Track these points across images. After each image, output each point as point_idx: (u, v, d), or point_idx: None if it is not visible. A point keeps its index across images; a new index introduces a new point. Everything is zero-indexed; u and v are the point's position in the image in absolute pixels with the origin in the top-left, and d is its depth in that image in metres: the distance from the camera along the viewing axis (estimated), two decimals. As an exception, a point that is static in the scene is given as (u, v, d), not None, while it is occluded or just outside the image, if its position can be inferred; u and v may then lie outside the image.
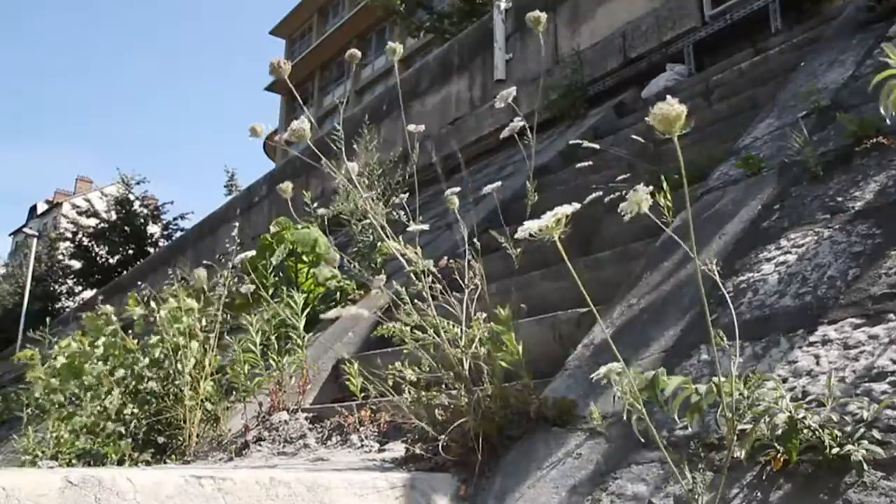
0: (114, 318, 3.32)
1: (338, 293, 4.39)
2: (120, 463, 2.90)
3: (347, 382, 2.91)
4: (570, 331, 2.55)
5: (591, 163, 3.57)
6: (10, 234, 53.53)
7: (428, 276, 1.97)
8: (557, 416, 1.80)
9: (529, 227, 0.99)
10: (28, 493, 1.15)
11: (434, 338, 1.91)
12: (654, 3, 5.96)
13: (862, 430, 1.20)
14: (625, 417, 1.27)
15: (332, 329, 4.03)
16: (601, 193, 2.46)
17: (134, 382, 3.15)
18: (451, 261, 2.11)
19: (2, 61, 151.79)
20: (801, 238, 1.91)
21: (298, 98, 2.09)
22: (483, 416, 1.85)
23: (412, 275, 1.99)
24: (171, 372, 3.06)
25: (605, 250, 3.11)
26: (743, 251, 2.03)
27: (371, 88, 31.36)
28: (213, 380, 3.13)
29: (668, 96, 0.99)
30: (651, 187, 1.14)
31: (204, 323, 3.15)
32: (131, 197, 24.56)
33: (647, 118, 0.99)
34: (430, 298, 1.93)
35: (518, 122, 2.03)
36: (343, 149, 1.99)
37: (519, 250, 2.04)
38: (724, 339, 1.30)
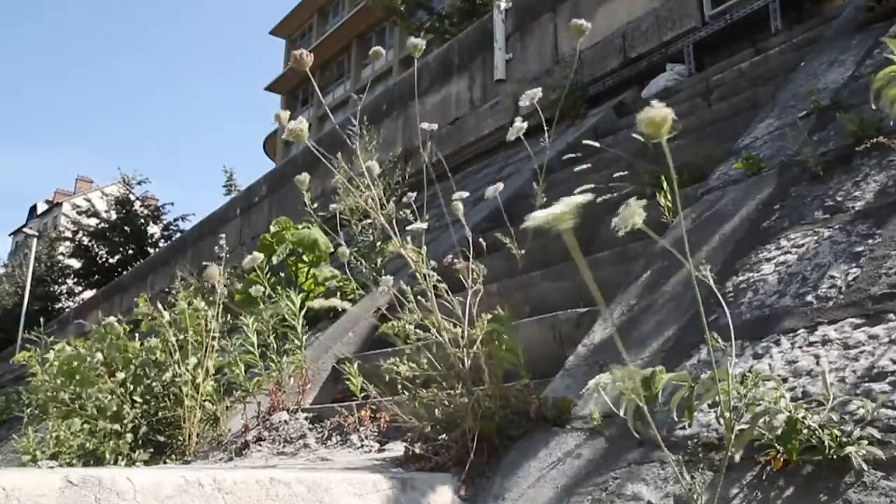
0: (118, 326, 3.32)
1: (337, 293, 4.39)
2: (120, 463, 2.90)
3: (347, 382, 2.91)
4: (569, 331, 2.55)
5: (589, 165, 3.57)
6: (10, 234, 53.56)
7: (431, 275, 1.97)
8: (557, 415, 1.80)
9: (538, 216, 0.98)
10: (28, 493, 1.15)
11: (437, 336, 1.91)
12: (654, 3, 5.96)
13: (862, 430, 1.20)
14: (622, 414, 1.27)
15: (332, 329, 4.03)
16: (597, 196, 2.45)
17: (133, 382, 3.15)
18: (454, 260, 2.11)
19: (2, 61, 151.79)
20: (801, 238, 1.91)
21: (317, 88, 2.09)
22: (483, 415, 1.85)
23: (415, 274, 1.99)
24: (171, 372, 3.06)
25: (605, 250, 3.11)
26: (743, 251, 2.03)
27: (371, 89, 31.36)
28: (214, 380, 3.13)
29: (655, 101, 0.99)
30: (649, 189, 1.14)
31: (206, 321, 3.15)
32: (132, 197, 24.56)
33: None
34: (434, 297, 1.93)
35: (522, 124, 2.03)
36: (357, 144, 1.98)
37: (522, 251, 2.05)
38: (719, 339, 1.30)
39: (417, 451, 1.95)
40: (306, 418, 3.07)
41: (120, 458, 2.92)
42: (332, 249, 4.71)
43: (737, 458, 1.29)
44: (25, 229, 31.80)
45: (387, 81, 27.66)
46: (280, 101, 39.50)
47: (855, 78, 2.72)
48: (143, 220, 24.44)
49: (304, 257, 4.57)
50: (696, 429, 1.47)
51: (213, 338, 3.11)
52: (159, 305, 3.25)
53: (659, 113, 0.94)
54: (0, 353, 20.34)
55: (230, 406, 3.19)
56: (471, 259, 2.04)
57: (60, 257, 26.59)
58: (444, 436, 1.91)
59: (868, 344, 1.42)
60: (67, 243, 25.59)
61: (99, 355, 3.13)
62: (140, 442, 3.03)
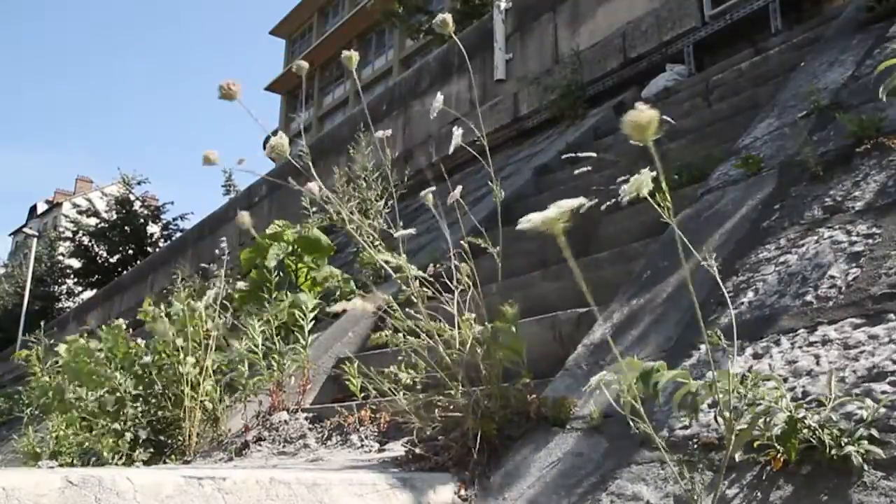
0: (124, 326, 3.32)
1: (337, 293, 4.39)
2: (120, 463, 2.90)
3: (347, 382, 2.91)
4: (569, 331, 2.55)
5: (589, 168, 3.58)
6: (10, 234, 53.56)
7: (416, 281, 1.97)
8: (557, 415, 1.80)
9: (533, 219, 0.98)
10: (28, 493, 1.15)
11: (428, 341, 1.91)
12: (654, 3, 5.96)
13: (862, 430, 1.20)
14: (622, 412, 1.27)
15: (332, 329, 4.03)
16: (597, 197, 2.45)
17: (134, 382, 3.15)
18: (437, 265, 2.11)
19: (2, 61, 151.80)
20: (801, 238, 1.91)
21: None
22: (483, 416, 1.85)
23: (401, 282, 1.99)
24: (171, 372, 3.06)
25: (604, 251, 3.12)
26: (743, 251, 2.03)
27: (371, 88, 31.37)
28: (214, 379, 3.13)
29: (639, 103, 0.98)
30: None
31: (209, 324, 3.15)
32: (132, 197, 24.55)
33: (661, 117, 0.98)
34: (421, 303, 1.93)
35: (459, 136, 2.04)
36: (311, 168, 1.97)
37: (498, 248, 2.04)
38: (722, 338, 1.30)
39: (417, 451, 1.95)
40: (306, 418, 3.07)
41: (120, 457, 2.92)
42: (333, 250, 4.71)
43: (737, 458, 1.29)
44: (25, 229, 31.78)
45: (387, 81, 27.68)
46: (280, 102, 39.50)
47: (855, 78, 2.72)
48: (142, 220, 24.42)
49: (305, 257, 4.57)
50: (696, 429, 1.47)
51: (210, 336, 3.11)
52: (161, 306, 3.25)
53: (644, 115, 0.94)
54: (0, 353, 20.34)
55: (230, 406, 3.19)
56: (459, 261, 2.04)
57: (60, 257, 26.58)
58: (443, 436, 1.91)
59: (868, 344, 1.42)
60: (67, 243, 25.57)
61: (103, 352, 3.14)
62: (140, 442, 3.03)
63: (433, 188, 2.09)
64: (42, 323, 4.75)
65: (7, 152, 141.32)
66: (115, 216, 24.03)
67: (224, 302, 3.20)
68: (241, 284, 4.36)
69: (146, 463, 2.94)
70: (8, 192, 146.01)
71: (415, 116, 8.65)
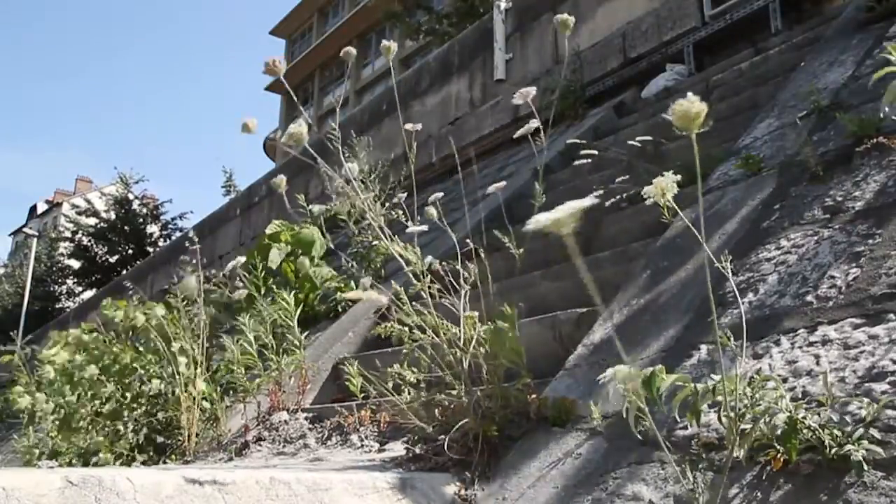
0: (99, 337, 3.30)
1: (337, 293, 4.39)
2: (120, 463, 2.90)
3: (347, 382, 2.91)
4: (570, 331, 2.55)
5: (589, 160, 3.57)
6: (10, 234, 53.55)
7: (426, 276, 1.97)
8: (557, 415, 1.79)
9: (540, 220, 0.98)
10: (28, 493, 1.15)
11: (433, 338, 1.91)
12: (654, 3, 5.96)
13: (862, 430, 1.20)
14: (624, 415, 1.27)
15: (332, 329, 4.03)
16: (602, 193, 2.45)
17: (129, 384, 3.14)
18: (443, 263, 2.11)
19: (2, 61, 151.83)
20: (801, 238, 1.91)
21: (296, 98, 2.07)
22: (483, 416, 1.85)
23: (411, 276, 1.99)
24: (167, 372, 3.06)
25: (605, 250, 3.12)
26: (743, 251, 2.03)
27: (371, 88, 31.38)
28: (212, 380, 3.13)
29: (690, 93, 0.97)
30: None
31: (203, 322, 3.15)
32: (130, 196, 24.54)
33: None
34: (430, 298, 1.93)
35: (534, 123, 2.03)
36: (340, 150, 1.97)
37: (521, 250, 2.04)
38: (731, 338, 1.30)
39: (417, 451, 1.95)
40: (306, 418, 3.07)
41: (120, 458, 2.92)
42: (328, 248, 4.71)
43: (741, 457, 1.29)
44: (25, 229, 31.78)
45: (387, 81, 27.69)
46: (280, 101, 39.49)
47: (855, 78, 2.72)
48: (141, 220, 24.41)
49: (302, 258, 4.57)
50: (696, 429, 1.47)
51: (205, 337, 3.11)
52: (136, 311, 3.25)
53: (693, 106, 0.93)
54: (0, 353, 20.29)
55: (230, 406, 3.19)
56: (469, 258, 2.03)
57: (60, 257, 26.57)
58: (444, 436, 1.90)
59: (868, 344, 1.42)
60: (67, 243, 25.56)
61: (92, 367, 3.11)
62: (140, 442, 3.02)
63: (439, 194, 2.09)
64: (16, 332, 4.69)
65: (7, 152, 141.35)
66: (113, 216, 24.02)
67: (225, 302, 3.20)
68: (239, 284, 4.36)
69: (146, 463, 2.94)
70: (8, 192, 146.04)
71: (415, 116, 8.65)
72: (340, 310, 4.23)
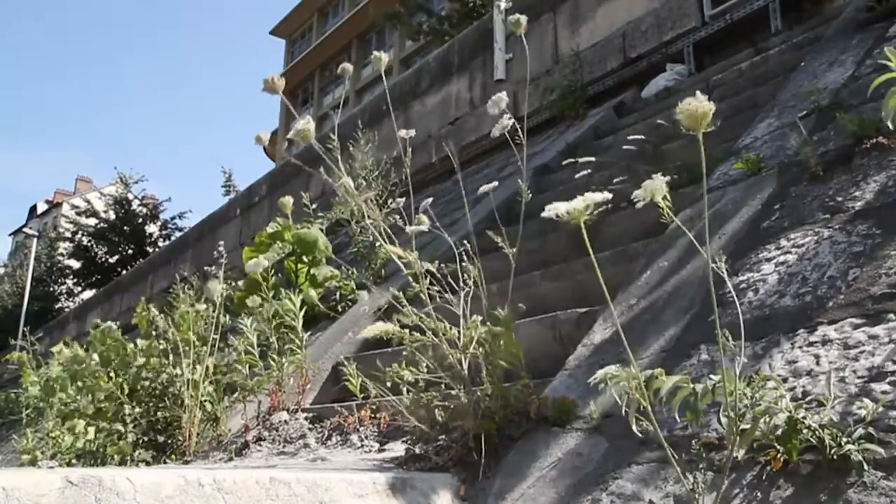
0: (116, 330, 3.31)
1: (337, 293, 4.39)
2: (120, 463, 2.90)
3: (347, 382, 2.91)
4: (569, 331, 2.55)
5: (589, 171, 3.58)
6: (10, 234, 53.55)
7: (426, 278, 1.96)
8: (557, 415, 1.79)
9: (557, 208, 0.98)
10: (28, 493, 1.15)
11: (433, 339, 1.91)
12: (654, 3, 5.96)
13: (862, 430, 1.20)
14: (625, 415, 1.27)
15: (332, 329, 4.03)
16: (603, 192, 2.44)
17: (132, 382, 3.14)
18: (442, 264, 2.11)
19: (2, 61, 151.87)
20: (801, 238, 1.91)
21: (290, 105, 2.07)
22: (483, 416, 1.85)
23: (410, 277, 1.99)
24: (168, 373, 3.06)
25: (605, 250, 3.11)
26: (743, 251, 2.03)
27: (371, 88, 31.37)
28: (213, 380, 3.13)
29: (698, 92, 0.98)
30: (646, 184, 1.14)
31: (206, 323, 3.15)
32: (130, 196, 24.53)
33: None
34: (429, 300, 1.93)
35: (509, 121, 2.02)
36: (339, 157, 1.98)
37: (514, 249, 2.04)
38: (730, 338, 1.30)
39: (417, 451, 1.95)
40: (306, 418, 3.07)
41: (120, 458, 2.92)
42: (330, 249, 4.71)
43: (741, 457, 1.29)
44: (25, 229, 31.79)
45: (387, 81, 27.64)
46: (280, 102, 39.47)
47: (855, 78, 2.72)
48: (141, 219, 24.40)
49: (304, 258, 4.57)
50: (696, 429, 1.47)
51: (211, 337, 3.11)
52: (154, 308, 3.25)
53: (701, 106, 0.93)
54: (0, 353, 20.32)
55: (230, 406, 3.19)
56: (458, 260, 2.03)
57: (60, 257, 26.57)
58: (444, 436, 1.90)
59: (868, 344, 1.42)
60: (67, 243, 25.56)
61: (96, 357, 3.13)
62: (140, 442, 3.02)
63: (429, 200, 2.09)
64: (27, 330, 4.70)
65: (7, 152, 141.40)
66: (113, 216, 24.00)
67: (225, 303, 3.20)
68: (241, 285, 4.36)
69: (146, 463, 2.94)
70: (8, 192, 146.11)
71: (415, 116, 8.65)
72: (340, 310, 4.23)
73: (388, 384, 2.03)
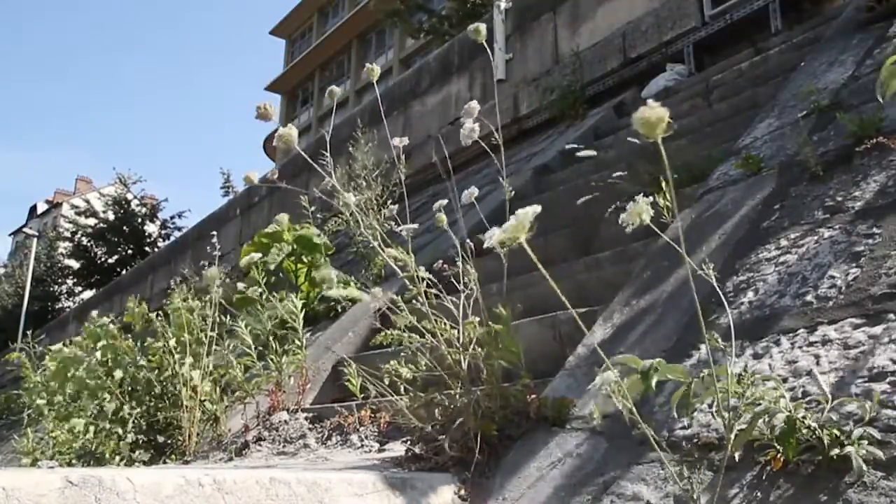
0: (111, 325, 3.31)
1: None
2: (120, 463, 2.90)
3: (347, 383, 2.91)
4: (569, 331, 2.55)
5: (589, 166, 3.57)
6: (10, 234, 53.55)
7: (422, 281, 1.96)
8: (557, 415, 1.79)
9: (496, 235, 0.98)
10: (28, 493, 1.15)
11: (431, 340, 1.91)
12: (654, 3, 5.96)
13: (861, 430, 1.20)
14: (622, 412, 1.27)
15: (332, 329, 4.03)
16: (598, 193, 2.45)
17: (131, 382, 3.14)
18: (444, 264, 2.11)
19: (2, 61, 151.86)
20: (801, 238, 1.91)
21: (288, 105, 2.08)
22: (483, 416, 1.85)
23: (407, 281, 1.99)
24: (169, 372, 3.06)
25: (606, 250, 3.12)
26: (743, 251, 2.03)
27: (371, 88, 31.35)
28: (213, 380, 3.13)
29: (651, 100, 0.99)
30: (649, 189, 1.14)
31: (204, 323, 3.15)
32: (129, 196, 24.53)
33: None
34: (426, 301, 1.93)
35: (476, 129, 2.04)
36: (330, 161, 1.98)
37: (505, 249, 2.04)
38: (720, 339, 1.30)
39: (417, 451, 1.95)
40: (306, 418, 3.07)
41: (120, 458, 2.92)
42: (332, 250, 4.70)
43: (737, 457, 1.29)
44: (25, 229, 31.79)
45: (387, 82, 27.66)
46: (280, 102, 39.49)
47: (855, 78, 2.72)
48: (140, 219, 24.41)
49: (304, 258, 4.57)
50: (695, 429, 1.47)
51: (211, 338, 3.11)
52: (150, 307, 3.25)
53: (654, 113, 0.94)
54: (0, 352, 20.31)
55: (230, 406, 3.19)
56: (460, 261, 2.03)
57: (60, 257, 26.57)
58: (443, 436, 1.90)
59: (868, 344, 1.42)
60: (67, 243, 25.57)
61: (97, 355, 3.13)
62: (140, 442, 3.02)
63: (444, 201, 2.09)
64: (30, 331, 4.69)
65: (7, 152, 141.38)
66: (112, 216, 24.01)
67: (223, 302, 3.20)
68: (240, 285, 4.36)
69: (146, 463, 2.94)
70: (8, 192, 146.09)
71: (414, 116, 8.65)
72: (340, 309, 4.23)
73: (388, 384, 2.03)
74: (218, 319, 3.15)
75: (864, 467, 1.15)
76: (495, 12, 7.52)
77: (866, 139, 2.14)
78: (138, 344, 3.26)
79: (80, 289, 25.80)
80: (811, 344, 1.52)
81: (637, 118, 0.96)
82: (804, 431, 1.23)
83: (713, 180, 2.64)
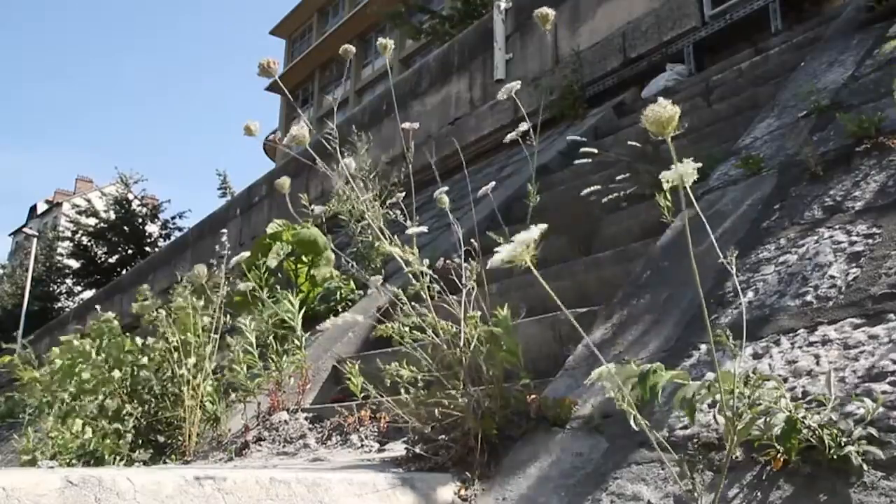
0: (115, 322, 3.31)
1: (337, 293, 4.39)
2: (120, 463, 2.90)
3: (347, 382, 2.91)
4: (569, 330, 2.55)
5: (590, 165, 3.57)
6: (10, 234, 53.54)
7: (426, 277, 1.97)
8: (557, 415, 1.79)
9: (501, 254, 0.99)
10: (28, 493, 1.15)
11: (433, 338, 1.91)
12: (654, 3, 5.96)
13: (862, 430, 1.20)
14: (622, 412, 1.27)
15: (332, 329, 4.03)
16: (598, 191, 2.44)
17: (132, 382, 3.14)
18: (447, 262, 2.11)
19: (2, 61, 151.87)
20: (801, 238, 1.91)
21: (293, 99, 2.09)
22: (483, 416, 1.85)
23: (411, 276, 1.99)
24: (170, 372, 3.06)
25: (606, 250, 3.11)
26: (743, 251, 2.03)
27: (371, 88, 31.40)
28: (214, 380, 3.13)
29: (661, 98, 0.99)
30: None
31: (206, 321, 3.15)
32: (130, 196, 24.54)
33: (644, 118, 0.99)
34: (429, 299, 1.93)
35: (523, 126, 2.03)
36: (338, 150, 1.98)
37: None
38: (730, 336, 1.30)
39: (417, 451, 1.95)
40: (306, 418, 3.07)
41: (120, 458, 2.92)
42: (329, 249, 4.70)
43: (737, 457, 1.29)
44: (25, 229, 31.79)
45: (387, 81, 27.67)
46: (280, 102, 39.49)
47: (855, 78, 2.72)
48: (141, 219, 24.41)
49: (303, 258, 4.57)
50: (696, 429, 1.47)
51: (212, 338, 3.11)
52: (157, 303, 3.25)
53: (665, 111, 0.94)
54: (0, 353, 20.28)
55: (230, 406, 3.19)
56: (462, 260, 2.03)
57: (60, 257, 26.57)
58: (443, 436, 1.90)
59: (868, 344, 1.42)
60: (67, 243, 25.58)
61: (100, 349, 3.13)
62: (140, 442, 3.02)
63: (445, 188, 2.09)
64: (20, 332, 4.68)
65: (7, 152, 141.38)
66: (113, 216, 24.01)
67: (226, 301, 3.20)
68: (241, 285, 4.36)
69: (146, 463, 2.94)
70: (8, 192, 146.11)
71: (414, 116, 8.65)
72: (340, 309, 4.23)
73: (388, 384, 2.03)
74: (221, 319, 3.15)
75: (865, 467, 1.15)
76: (495, 12, 7.52)
77: (866, 139, 2.14)
78: (140, 343, 3.26)
79: (80, 289, 25.80)
80: (811, 344, 1.52)
81: (648, 116, 0.96)
82: (804, 431, 1.23)
83: (713, 180, 2.63)
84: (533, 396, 1.89)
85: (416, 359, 1.99)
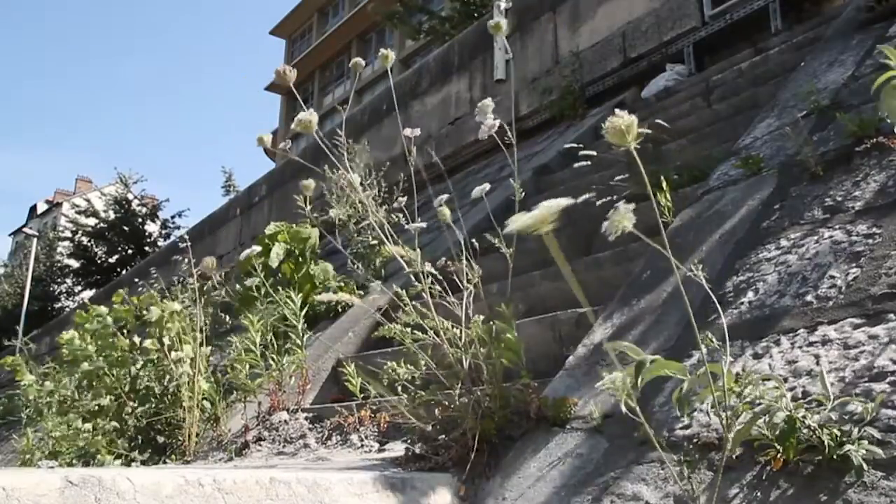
0: (109, 319, 3.31)
1: (337, 293, 4.38)
2: (120, 463, 2.90)
3: (347, 382, 2.91)
4: (569, 331, 2.55)
5: (588, 162, 3.57)
6: (10, 234, 53.53)
7: (427, 277, 1.97)
8: (557, 415, 1.79)
9: (520, 220, 0.98)
10: (28, 493, 1.15)
11: (434, 338, 1.91)
12: (654, 3, 5.96)
13: (862, 430, 1.20)
14: (623, 412, 1.27)
15: (332, 329, 4.03)
16: (598, 197, 2.44)
17: (131, 382, 3.14)
18: (447, 262, 2.11)
19: (2, 61, 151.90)
20: (801, 238, 1.91)
21: (299, 99, 2.08)
22: (483, 415, 1.85)
23: (412, 276, 1.99)
24: (167, 372, 3.06)
25: (606, 250, 3.11)
26: (743, 251, 2.03)
27: (371, 88, 31.35)
28: (213, 380, 3.13)
29: (616, 109, 0.99)
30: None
31: (203, 321, 3.14)
32: (129, 196, 24.54)
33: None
34: (430, 299, 1.93)
35: (496, 122, 2.02)
36: (345, 154, 1.99)
37: (511, 250, 2.04)
38: (714, 340, 1.30)
39: (417, 451, 1.95)
40: (306, 418, 3.07)
41: (119, 458, 2.92)
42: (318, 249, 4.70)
43: (736, 457, 1.29)
44: (25, 229, 31.80)
45: (387, 82, 27.65)
46: (280, 101, 39.51)
47: (855, 78, 2.72)
48: (140, 219, 24.41)
49: (303, 258, 4.57)
50: (695, 429, 1.47)
51: (207, 337, 3.10)
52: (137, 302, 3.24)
53: (623, 120, 0.94)
54: (0, 353, 20.30)
55: (230, 406, 3.19)
56: (463, 260, 2.03)
57: (59, 257, 26.58)
58: (443, 436, 1.91)
59: (868, 344, 1.42)
60: (67, 243, 25.58)
61: (91, 346, 3.12)
62: (140, 442, 3.02)
63: (444, 196, 2.09)
64: (20, 333, 4.70)
65: (7, 152, 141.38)
66: (113, 216, 24.01)
67: (225, 301, 3.20)
68: (248, 281, 4.36)
69: (146, 463, 2.94)
70: (8, 192, 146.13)
71: (415, 116, 8.65)
72: (340, 310, 4.23)
73: (388, 384, 2.03)
74: (220, 319, 3.15)
75: (865, 467, 1.15)
76: (495, 12, 7.52)
77: (866, 139, 2.14)
78: (137, 342, 3.26)
79: (79, 288, 25.80)
80: (811, 344, 1.52)
81: (608, 128, 0.96)
82: (804, 431, 1.23)
83: (713, 180, 2.64)
84: (533, 396, 1.89)
85: (416, 358, 1.99)
